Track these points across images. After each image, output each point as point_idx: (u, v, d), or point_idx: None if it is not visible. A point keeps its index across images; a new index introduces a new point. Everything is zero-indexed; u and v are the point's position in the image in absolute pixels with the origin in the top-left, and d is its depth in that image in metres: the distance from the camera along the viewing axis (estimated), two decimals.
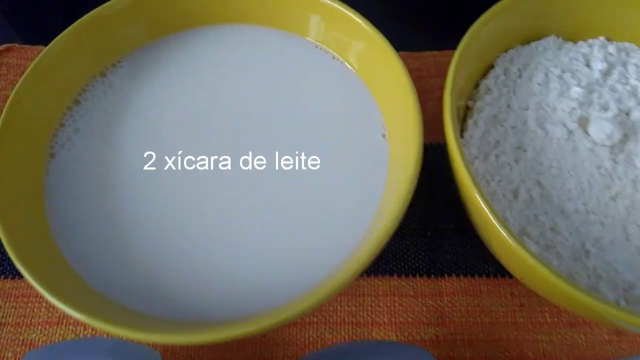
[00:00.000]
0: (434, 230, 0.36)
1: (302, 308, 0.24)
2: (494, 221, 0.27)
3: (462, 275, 0.35)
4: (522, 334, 0.32)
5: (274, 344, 0.32)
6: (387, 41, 0.31)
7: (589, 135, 0.32)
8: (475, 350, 0.32)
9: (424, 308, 0.34)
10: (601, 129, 0.32)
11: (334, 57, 0.35)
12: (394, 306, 0.34)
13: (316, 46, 0.36)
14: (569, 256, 0.29)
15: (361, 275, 0.34)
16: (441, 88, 0.44)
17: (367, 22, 0.32)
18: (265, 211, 0.30)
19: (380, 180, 0.31)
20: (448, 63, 0.46)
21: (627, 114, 0.33)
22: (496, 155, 0.32)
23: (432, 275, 0.35)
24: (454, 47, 0.45)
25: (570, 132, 0.32)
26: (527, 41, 0.37)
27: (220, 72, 0.35)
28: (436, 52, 0.44)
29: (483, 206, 0.27)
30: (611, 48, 0.36)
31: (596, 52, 0.36)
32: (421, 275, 0.35)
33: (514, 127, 0.33)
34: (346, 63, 0.35)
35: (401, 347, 0.29)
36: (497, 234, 0.27)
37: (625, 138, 0.32)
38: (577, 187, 0.30)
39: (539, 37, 0.37)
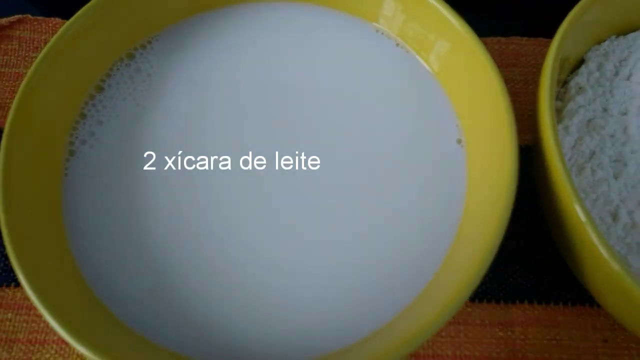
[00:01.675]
0: (503, 247, 0.31)
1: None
2: (594, 239, 0.23)
3: (536, 302, 0.30)
4: None
5: None
6: (476, 37, 0.26)
7: None
8: None
9: (492, 340, 0.29)
10: None
11: (398, 45, 0.30)
12: (459, 337, 0.29)
13: (383, 33, 0.30)
14: None
15: None
16: (507, 81, 0.40)
17: (456, 15, 0.27)
18: (328, 232, 0.26)
19: (458, 192, 0.26)
20: (516, 52, 0.41)
21: None
22: (592, 169, 0.27)
23: (502, 301, 0.30)
24: (522, 32, 0.41)
25: None
26: (622, 32, 0.32)
27: (268, 58, 0.30)
28: (502, 39, 0.39)
29: (583, 220, 0.23)
30: None
31: None
32: (489, 301, 0.30)
33: (613, 136, 0.28)
34: (419, 57, 0.30)
35: None
36: (596, 255, 0.23)
37: None
38: None
39: (635, 28, 0.32)
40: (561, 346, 0.29)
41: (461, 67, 0.27)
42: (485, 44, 0.39)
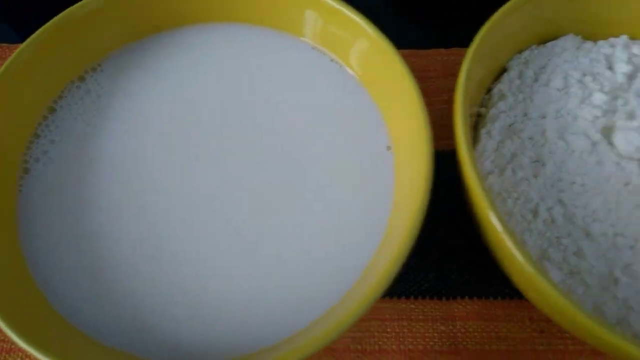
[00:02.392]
0: (443, 248, 0.33)
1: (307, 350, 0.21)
2: (510, 246, 0.24)
3: (475, 298, 0.32)
4: None
5: None
6: (389, 41, 0.28)
7: (615, 147, 0.29)
8: None
9: (435, 334, 0.31)
10: (628, 140, 0.29)
11: (332, 60, 0.32)
12: (403, 332, 0.31)
13: (312, 47, 0.32)
14: (595, 284, 0.26)
15: None
16: (449, 90, 0.42)
17: (366, 19, 0.29)
18: (263, 238, 0.28)
19: (387, 198, 0.28)
20: (457, 62, 0.43)
21: None
22: (513, 170, 0.29)
23: (444, 298, 0.32)
24: (462, 44, 0.43)
25: (594, 143, 0.29)
26: (542, 41, 0.34)
27: (207, 77, 0.32)
28: (443, 50, 0.41)
29: (499, 229, 0.24)
30: (636, 48, 0.33)
31: (619, 53, 0.33)
32: (431, 298, 0.32)
33: (532, 138, 0.30)
34: (346, 66, 0.32)
35: None
36: (514, 260, 0.24)
37: None
38: (603, 207, 0.28)
39: (555, 36, 0.34)
40: (500, 337, 0.31)
41: (383, 75, 0.29)
42: (429, 55, 0.42)
